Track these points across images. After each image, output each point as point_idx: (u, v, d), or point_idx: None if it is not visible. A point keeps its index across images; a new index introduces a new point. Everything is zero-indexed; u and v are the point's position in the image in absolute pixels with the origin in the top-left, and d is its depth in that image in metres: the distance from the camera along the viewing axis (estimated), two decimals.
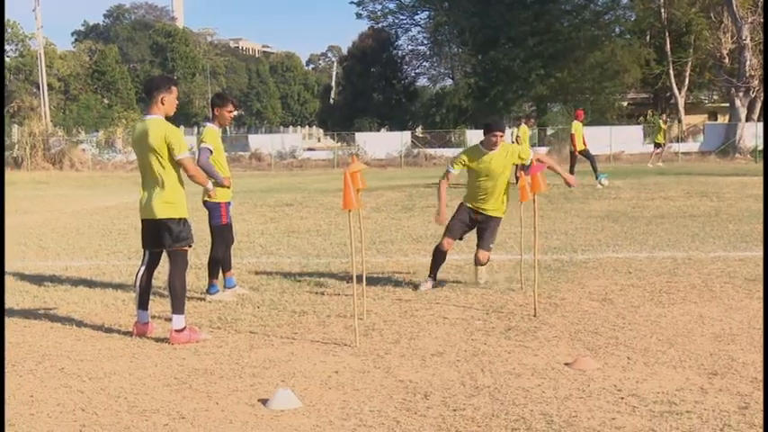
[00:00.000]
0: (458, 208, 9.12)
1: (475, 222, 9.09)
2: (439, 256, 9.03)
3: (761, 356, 6.10)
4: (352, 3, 64.07)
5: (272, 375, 5.88)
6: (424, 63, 67.85)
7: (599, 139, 36.03)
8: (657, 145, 35.43)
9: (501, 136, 8.96)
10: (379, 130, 56.73)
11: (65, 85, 78.36)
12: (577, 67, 52.56)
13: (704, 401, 5.14)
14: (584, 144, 23.22)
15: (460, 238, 9.32)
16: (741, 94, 42.60)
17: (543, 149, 40.82)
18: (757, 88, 43.22)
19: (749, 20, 42.30)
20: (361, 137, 47.85)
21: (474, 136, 45.73)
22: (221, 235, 8.64)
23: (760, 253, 10.74)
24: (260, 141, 49.19)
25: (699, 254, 10.84)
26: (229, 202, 8.70)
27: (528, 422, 4.85)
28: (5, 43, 39.24)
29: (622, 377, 5.69)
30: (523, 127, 23.58)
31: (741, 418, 4.85)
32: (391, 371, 5.94)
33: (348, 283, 8.88)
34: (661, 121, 35.60)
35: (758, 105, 44.23)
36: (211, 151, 8.40)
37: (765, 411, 4.84)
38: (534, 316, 7.54)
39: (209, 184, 7.94)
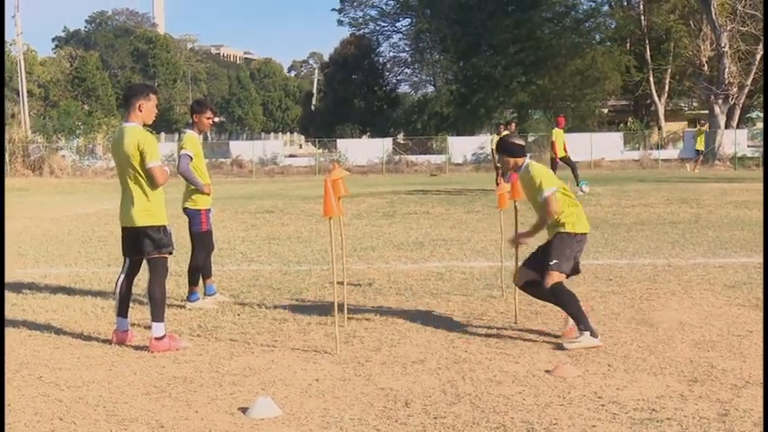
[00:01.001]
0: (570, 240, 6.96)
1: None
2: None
3: (740, 363, 6.12)
4: (333, 10, 64.17)
5: (252, 383, 5.85)
6: (406, 70, 67.97)
7: (580, 145, 36.12)
8: (698, 152, 36.04)
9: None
10: (360, 137, 56.71)
11: (45, 91, 77.98)
12: (558, 75, 52.73)
13: (684, 408, 5.15)
14: (566, 151, 23.28)
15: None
16: (720, 101, 42.85)
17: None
18: (736, 95, 43.50)
19: (728, 28, 42.57)
20: (342, 143, 47.85)
21: (456, 143, 45.90)
22: (202, 242, 8.61)
23: (739, 260, 10.81)
24: (241, 148, 49.09)
25: (679, 261, 10.88)
26: (210, 209, 8.69)
27: (508, 429, 4.84)
28: None
29: (603, 384, 5.69)
30: (506, 133, 23.62)
31: (721, 425, 4.86)
32: (372, 378, 5.92)
33: (329, 290, 8.86)
34: (701, 127, 35.92)
35: (737, 113, 44.51)
36: (191, 158, 8.39)
37: (765, 410, 4.84)
38: (515, 323, 7.54)
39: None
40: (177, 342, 6.86)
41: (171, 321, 7.88)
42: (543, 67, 52.26)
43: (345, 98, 62.44)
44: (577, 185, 22.62)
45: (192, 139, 8.55)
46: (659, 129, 50.64)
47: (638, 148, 46.31)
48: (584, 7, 55.71)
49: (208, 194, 8.54)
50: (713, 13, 41.47)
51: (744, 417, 4.99)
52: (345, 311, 7.62)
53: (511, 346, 6.74)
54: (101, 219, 18.78)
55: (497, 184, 12.42)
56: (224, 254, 12.05)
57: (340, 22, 63.94)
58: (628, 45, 55.40)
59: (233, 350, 6.79)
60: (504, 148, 7.16)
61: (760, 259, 10.76)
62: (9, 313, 8.33)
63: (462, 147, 45.22)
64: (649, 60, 51.85)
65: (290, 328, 7.54)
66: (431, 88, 64.15)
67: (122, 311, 7.06)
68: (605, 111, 60.74)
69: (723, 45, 42.13)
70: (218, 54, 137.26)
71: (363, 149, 46.43)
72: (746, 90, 44.92)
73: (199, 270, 8.67)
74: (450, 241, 13.33)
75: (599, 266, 10.56)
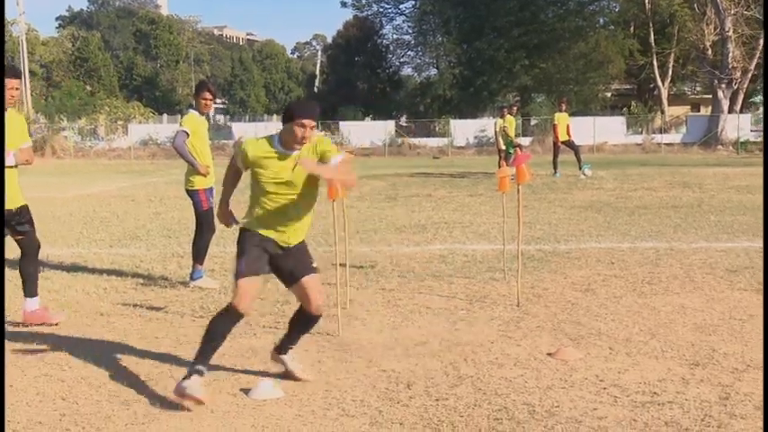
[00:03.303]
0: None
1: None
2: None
3: (741, 347, 6.13)
4: None
5: (254, 365, 5.86)
6: (409, 52, 67.69)
7: (583, 129, 36.10)
8: None
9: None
10: (363, 119, 56.62)
11: (47, 71, 77.86)
12: (562, 58, 52.61)
13: (685, 392, 5.16)
14: (569, 134, 23.23)
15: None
16: (724, 85, 42.78)
17: (527, 140, 40.91)
18: (739, 80, 43.39)
19: (732, 12, 42.44)
20: (345, 126, 47.78)
21: (458, 126, 45.80)
22: (204, 221, 8.65)
23: (741, 244, 10.80)
24: (243, 130, 49.03)
25: (681, 245, 10.88)
26: (210, 189, 8.70)
27: (510, 412, 4.85)
28: None
29: (604, 367, 5.70)
30: (510, 117, 23.54)
31: (722, 408, 4.86)
32: (374, 360, 5.93)
33: (331, 272, 8.86)
34: None
35: (740, 97, 44.42)
36: (188, 134, 8.43)
37: (766, 394, 4.84)
38: (517, 306, 7.54)
39: None
40: (50, 316, 7.07)
41: (173, 302, 7.91)
42: (547, 50, 52.13)
43: (348, 80, 62.32)
44: (580, 169, 22.59)
45: (191, 117, 8.60)
46: (662, 113, 50.52)
47: (641, 132, 46.23)
48: None
49: (204, 175, 8.55)
50: None
51: (744, 400, 4.99)
52: (348, 293, 7.63)
53: (513, 329, 6.75)
54: (102, 200, 18.78)
55: (500, 167, 12.39)
56: (225, 235, 12.02)
57: (343, 4, 63.68)
58: (632, 29, 55.25)
59: (235, 331, 6.72)
60: None
61: (762, 243, 10.75)
62: (10, 294, 8.33)
63: (465, 130, 45.14)
64: (653, 44, 51.68)
65: (293, 310, 7.52)
66: (434, 71, 63.94)
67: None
68: (608, 95, 60.59)
69: (727, 29, 42.01)
70: (221, 35, 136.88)
71: (366, 132, 46.39)
72: (750, 75, 44.81)
73: (202, 248, 8.69)
74: (453, 224, 13.32)
75: (601, 250, 10.55)
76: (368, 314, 7.31)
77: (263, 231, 5.35)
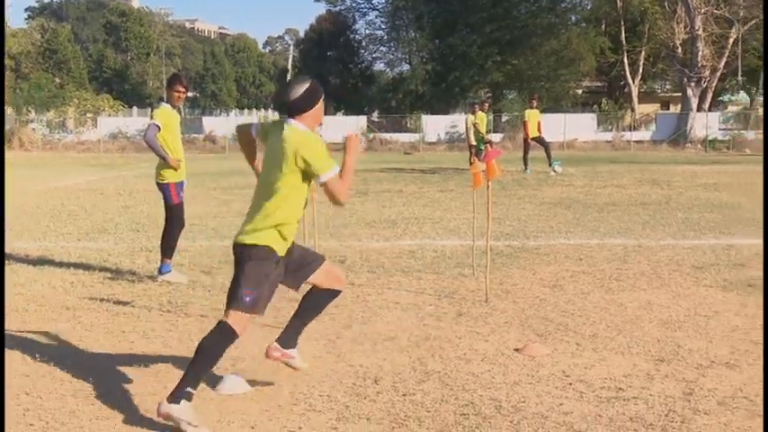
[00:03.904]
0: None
1: None
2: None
3: (706, 343, 6.18)
4: None
5: (222, 359, 5.82)
6: (382, 48, 67.58)
7: (553, 126, 36.25)
8: None
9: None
10: (334, 114, 56.50)
11: (16, 63, 77.01)
12: (533, 55, 52.74)
13: (650, 387, 5.20)
14: (539, 131, 23.34)
15: None
16: (693, 84, 43.11)
17: (498, 136, 41.02)
18: (708, 79, 43.75)
19: (702, 11, 42.78)
20: None
21: (430, 121, 45.87)
22: (174, 215, 8.62)
23: (708, 241, 10.90)
24: (214, 124, 48.85)
25: (649, 241, 10.96)
26: (182, 182, 8.67)
27: (477, 407, 4.86)
28: None
29: (571, 363, 5.73)
30: (481, 113, 23.59)
31: (686, 404, 4.90)
32: (342, 355, 5.93)
33: None
34: None
35: (709, 96, 44.80)
36: (159, 128, 8.38)
37: (765, 409, 4.88)
38: (486, 302, 7.56)
39: None
40: None
41: (141, 297, 7.86)
42: (519, 46, 52.25)
43: (320, 75, 62.01)
44: (550, 166, 22.70)
45: (163, 110, 8.56)
46: (632, 110, 50.85)
47: (611, 130, 46.51)
48: None
49: (175, 169, 8.51)
50: None
51: (708, 396, 5.04)
52: None
53: (481, 325, 6.77)
54: (71, 193, 18.63)
55: (471, 164, 12.41)
56: (195, 230, 12.00)
57: None
58: (603, 26, 55.54)
59: (203, 326, 6.75)
60: None
61: (728, 241, 10.87)
62: None
63: (436, 125, 45.20)
64: (624, 42, 51.98)
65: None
66: (406, 66, 63.89)
67: None
68: (579, 92, 60.90)
69: (697, 28, 42.35)
70: (193, 28, 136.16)
71: (337, 127, 46.29)
72: (719, 73, 45.20)
73: (171, 241, 8.65)
74: (423, 220, 13.34)
75: (570, 246, 10.61)
76: (336, 309, 7.29)
77: (281, 249, 4.81)
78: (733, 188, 18.43)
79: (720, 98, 55.16)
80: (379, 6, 63.75)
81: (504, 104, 51.84)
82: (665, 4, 48.89)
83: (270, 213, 4.74)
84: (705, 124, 42.01)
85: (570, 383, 5.29)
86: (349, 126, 45.26)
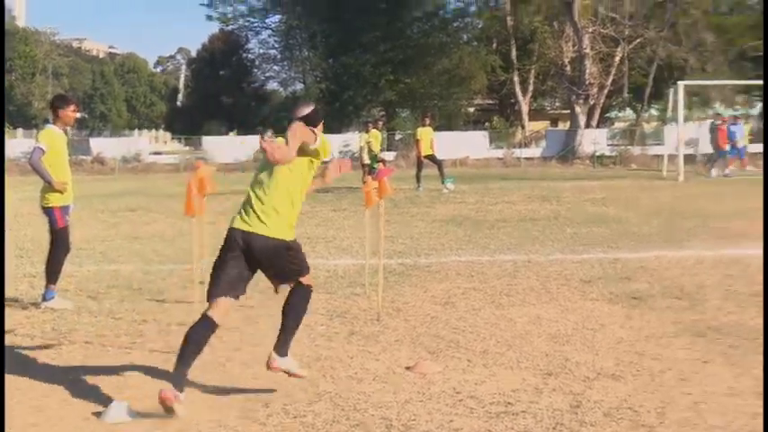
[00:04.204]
0: None
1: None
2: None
3: (593, 356, 6.31)
4: (202, 5, 63.10)
5: (107, 387, 5.68)
6: (275, 67, 67.34)
7: (446, 144, 36.58)
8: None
9: None
10: (227, 134, 56.01)
11: None
12: (426, 73, 53.31)
13: (539, 401, 5.28)
14: (432, 149, 23.57)
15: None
16: (581, 101, 44.19)
17: (392, 154, 41.27)
18: (596, 96, 44.95)
19: (590, 30, 43.96)
20: (208, 141, 47.14)
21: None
22: (58, 239, 8.38)
23: (595, 255, 11.16)
24: (103, 145, 47.79)
25: (538, 257, 11.15)
26: (67, 206, 8.44)
27: (367, 427, 4.86)
28: None
29: (462, 379, 5.77)
30: (374, 132, 23.68)
31: (573, 416, 4.99)
32: (232, 379, 5.84)
33: (191, 290, 8.70)
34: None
35: (597, 112, 46.00)
36: (44, 150, 8.16)
37: (765, 409, 4.95)
38: (377, 320, 7.57)
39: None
40: None
41: (23, 325, 7.62)
42: (412, 65, 52.75)
43: (213, 94, 61.53)
44: (443, 183, 22.91)
45: (48, 132, 8.36)
46: (523, 128, 51.82)
47: (503, 147, 47.28)
48: (453, 7, 56.73)
49: (60, 192, 8.29)
50: (575, 16, 42.76)
51: (594, 408, 5.14)
52: None
53: (372, 344, 6.77)
54: None
55: (364, 182, 12.43)
56: (83, 254, 11.69)
57: (209, 18, 62.82)
58: (494, 45, 56.48)
59: (88, 353, 6.59)
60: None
61: (615, 254, 11.14)
62: None
63: (330, 144, 45.04)
64: (515, 60, 52.98)
65: (150, 330, 7.37)
66: (300, 85, 63.82)
67: None
68: (471, 110, 61.79)
69: (585, 47, 43.49)
70: (81, 48, 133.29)
71: (230, 147, 45.87)
72: (606, 90, 46.50)
73: (56, 268, 8.41)
74: (316, 239, 13.29)
75: (461, 263, 10.72)
76: (226, 332, 7.17)
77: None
78: (620, 203, 18.93)
79: (608, 115, 56.69)
80: (273, 25, 63.57)
81: (397, 123, 52.24)
82: (554, 23, 50.11)
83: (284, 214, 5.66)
84: (593, 140, 43.09)
85: (461, 400, 5.32)
86: (245, 146, 44.98)
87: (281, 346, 5.50)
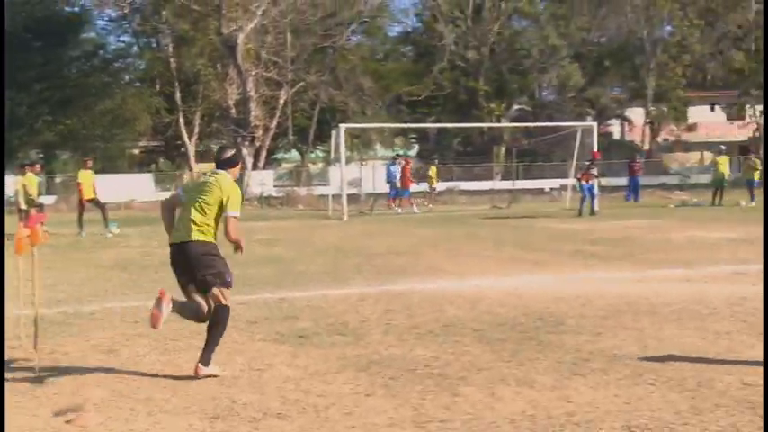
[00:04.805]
0: None
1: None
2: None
3: (259, 396, 6.37)
4: None
5: None
6: None
7: (110, 187, 35.59)
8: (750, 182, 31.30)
9: None
10: None
11: None
12: (87, 115, 51.67)
13: None
14: (94, 192, 22.82)
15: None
16: (247, 143, 44.85)
17: (52, 198, 39.45)
18: (262, 138, 45.83)
19: (253, 73, 44.84)
20: None
21: None
22: None
23: (262, 296, 11.26)
24: None
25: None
26: None
27: None
28: None
29: (125, 429, 5.61)
30: (30, 175, 22.42)
31: None
32: None
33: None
34: (758, 160, 32.01)
35: (263, 154, 46.92)
36: None
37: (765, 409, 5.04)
38: (34, 374, 7.15)
39: None
40: None
41: None
42: (71, 106, 50.91)
43: None
44: (106, 227, 22.21)
45: None
46: (190, 170, 51.60)
47: (169, 189, 46.76)
48: (114, 47, 55.59)
49: None
50: (238, 59, 43.40)
51: None
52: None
53: (29, 399, 6.38)
54: None
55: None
56: None
57: None
58: (158, 87, 55.91)
59: None
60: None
61: (281, 294, 11.32)
62: None
63: None
64: (179, 102, 52.71)
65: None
66: None
67: None
68: (136, 152, 60.67)
69: (249, 90, 44.29)
70: None
71: None
72: (272, 132, 47.61)
73: None
74: None
75: (126, 309, 10.42)
76: None
77: None
78: (287, 243, 19.32)
79: (274, 156, 57.89)
80: None
81: (57, 165, 50.02)
82: (218, 65, 50.51)
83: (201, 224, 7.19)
84: (260, 182, 43.79)
85: None
86: None
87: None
